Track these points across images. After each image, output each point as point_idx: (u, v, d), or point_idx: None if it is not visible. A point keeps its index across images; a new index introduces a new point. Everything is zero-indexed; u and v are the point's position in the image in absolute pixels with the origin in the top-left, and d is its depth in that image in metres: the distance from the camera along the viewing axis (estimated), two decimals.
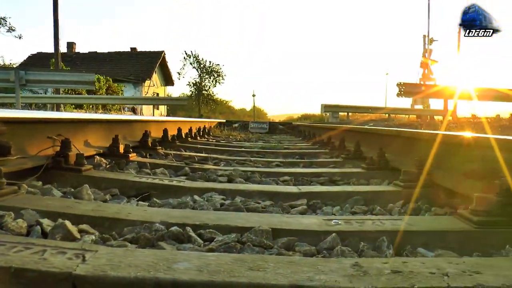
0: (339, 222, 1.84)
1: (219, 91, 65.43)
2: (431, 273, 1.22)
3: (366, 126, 5.61)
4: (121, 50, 40.91)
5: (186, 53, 43.03)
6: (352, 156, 4.49)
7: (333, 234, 1.67)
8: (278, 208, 2.33)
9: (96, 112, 24.42)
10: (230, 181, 3.13)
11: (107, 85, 29.02)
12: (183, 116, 27.92)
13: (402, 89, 14.47)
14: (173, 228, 1.69)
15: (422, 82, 26.22)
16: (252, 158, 4.68)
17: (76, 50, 40.83)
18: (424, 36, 27.39)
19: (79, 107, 22.17)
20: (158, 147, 4.87)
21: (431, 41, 27.39)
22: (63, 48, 37.11)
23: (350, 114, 23.82)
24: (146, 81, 36.89)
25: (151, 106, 28.39)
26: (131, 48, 41.49)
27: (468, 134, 2.52)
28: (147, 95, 34.93)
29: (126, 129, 4.59)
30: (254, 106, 42.75)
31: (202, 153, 5.21)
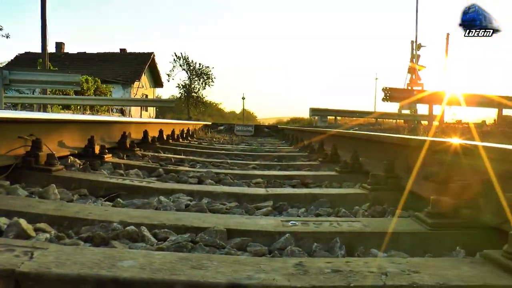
0: (296, 224, 1.86)
1: (209, 94, 65.27)
2: (371, 272, 1.24)
3: (343, 130, 5.64)
4: (111, 51, 40.75)
5: (175, 55, 42.99)
6: (329, 159, 4.53)
7: (287, 234, 1.69)
8: (242, 209, 2.34)
9: (84, 113, 24.35)
10: (200, 182, 3.14)
11: (95, 86, 28.93)
12: (171, 118, 27.90)
13: (388, 94, 14.59)
14: (129, 228, 1.70)
15: (409, 87, 26.42)
16: (229, 161, 4.69)
17: (65, 51, 40.66)
18: (412, 41, 27.64)
19: (66, 107, 22.06)
20: (136, 149, 4.87)
21: (419, 46, 27.65)
22: (51, 48, 36.98)
23: (339, 118, 23.99)
24: (135, 82, 36.83)
25: (140, 108, 28.29)
26: (120, 49, 41.43)
27: (429, 138, 2.55)
28: (135, 97, 34.85)
29: (104, 130, 4.59)
30: (243, 109, 42.90)
31: (181, 155, 5.22)
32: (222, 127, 13.28)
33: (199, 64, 43.09)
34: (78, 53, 39.99)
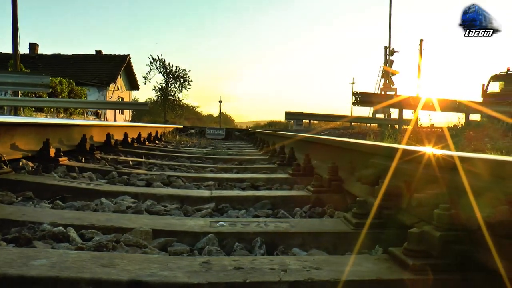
0: (224, 224, 1.92)
1: (186, 97, 64.99)
2: (271, 269, 1.30)
3: (303, 134, 5.73)
4: (86, 52, 40.30)
5: (152, 57, 42.76)
6: (286, 162, 4.60)
7: (210, 235, 1.74)
8: (180, 211, 2.39)
9: (57, 116, 24.03)
10: (148, 185, 3.17)
11: (69, 88, 28.56)
12: (148, 121, 27.74)
13: (358, 98, 14.80)
14: (56, 229, 1.73)
15: (383, 92, 26.80)
16: (187, 164, 4.72)
17: (39, 52, 40.02)
18: (386, 47, 28.05)
19: (39, 110, 21.75)
20: (96, 152, 4.86)
21: (392, 52, 28.07)
22: (24, 49, 36.42)
23: (315, 121, 24.17)
24: (111, 85, 36.48)
25: (114, 111, 28.05)
26: (96, 51, 40.96)
27: (368, 142, 2.64)
28: (111, 100, 34.54)
29: (63, 133, 4.57)
30: (220, 112, 42.88)
31: (142, 158, 5.23)
32: (193, 130, 13.27)
33: (176, 67, 42.95)
34: (52, 54, 39.40)
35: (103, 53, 40.70)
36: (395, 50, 26.97)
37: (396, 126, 16.61)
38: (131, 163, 4.50)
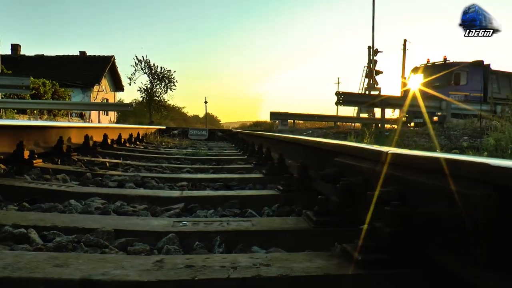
0: (187, 224, 1.95)
1: (171, 98, 64.70)
2: (222, 267, 1.33)
3: (278, 134, 5.77)
4: (70, 54, 39.94)
5: (137, 58, 42.45)
6: (262, 162, 4.63)
7: (171, 234, 1.77)
8: (148, 211, 2.41)
9: (40, 118, 23.79)
10: (120, 186, 3.18)
11: (53, 89, 28.31)
12: (133, 123, 27.58)
13: (341, 98, 14.90)
14: (16, 230, 1.75)
15: (367, 92, 26.96)
16: (164, 165, 4.74)
17: (22, 53, 39.57)
18: (369, 47, 28.24)
19: (21, 112, 21.51)
20: (73, 154, 4.85)
21: (376, 52, 28.26)
22: (6, 50, 36.00)
23: (301, 122, 24.27)
24: (95, 86, 36.21)
25: (98, 112, 27.83)
26: (80, 52, 40.62)
27: (335, 142, 2.68)
28: (95, 101, 34.31)
29: (39, 136, 4.55)
30: (206, 113, 42.78)
31: (120, 159, 5.23)
32: (176, 131, 13.25)
33: (161, 67, 42.69)
34: (35, 55, 38.96)
35: (87, 54, 40.37)
36: (379, 50, 27.15)
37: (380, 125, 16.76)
38: (107, 164, 4.51)
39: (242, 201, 2.72)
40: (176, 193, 2.80)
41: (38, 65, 36.22)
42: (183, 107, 67.89)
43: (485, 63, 24.36)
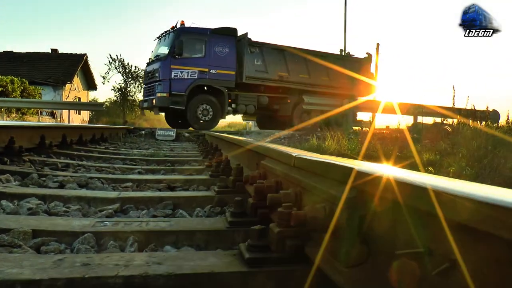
0: (107, 224, 2.04)
1: None
2: (116, 265, 1.43)
3: (233, 136, 5.88)
4: (41, 51, 39.22)
5: (111, 57, 41.99)
6: (214, 163, 4.73)
7: (86, 234, 1.87)
8: (79, 212, 2.49)
9: (8, 116, 23.41)
10: (61, 186, 3.25)
11: (22, 87, 27.83)
12: (106, 123, 27.35)
13: None
14: None
15: None
16: (117, 166, 4.80)
17: None
18: (341, 50, 28.51)
19: None
20: (25, 154, 4.86)
21: (348, 55, 28.53)
22: None
23: None
24: (67, 84, 35.68)
25: (68, 111, 27.49)
26: (51, 49, 39.94)
27: (262, 144, 2.79)
28: (67, 100, 33.85)
29: None
30: None
31: (74, 159, 5.26)
32: (143, 132, 13.25)
33: (135, 67, 42.29)
34: (4, 52, 38.14)
35: (59, 52, 39.75)
36: (351, 54, 27.42)
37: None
38: (59, 165, 4.54)
39: (175, 202, 2.82)
40: (113, 194, 2.88)
41: (7, 61, 35.48)
42: None
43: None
